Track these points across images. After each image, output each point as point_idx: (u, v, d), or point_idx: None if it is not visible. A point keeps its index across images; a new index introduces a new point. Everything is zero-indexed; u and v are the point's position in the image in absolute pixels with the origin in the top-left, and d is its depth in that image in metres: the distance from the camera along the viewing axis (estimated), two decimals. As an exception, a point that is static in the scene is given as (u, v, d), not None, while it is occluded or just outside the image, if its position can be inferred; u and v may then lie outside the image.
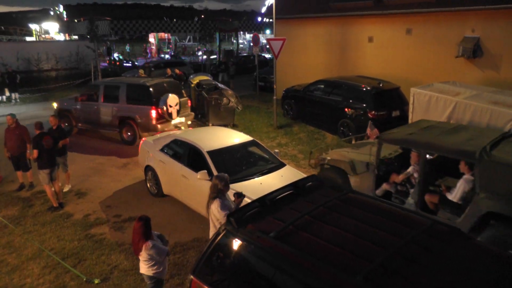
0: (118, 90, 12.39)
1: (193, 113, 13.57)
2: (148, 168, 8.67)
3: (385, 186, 7.21)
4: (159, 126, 11.77)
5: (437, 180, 7.06)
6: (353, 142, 9.70)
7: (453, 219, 6.09)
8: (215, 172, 6.78)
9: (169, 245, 5.30)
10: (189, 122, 13.04)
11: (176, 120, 12.20)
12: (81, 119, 13.21)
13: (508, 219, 5.52)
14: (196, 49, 45.31)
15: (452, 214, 6.21)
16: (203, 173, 6.83)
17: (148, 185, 8.79)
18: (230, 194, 5.33)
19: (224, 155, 7.56)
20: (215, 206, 4.96)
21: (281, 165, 7.70)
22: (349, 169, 7.57)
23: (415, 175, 6.83)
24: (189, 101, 13.41)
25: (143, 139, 9.31)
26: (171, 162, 8.03)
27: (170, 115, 11.87)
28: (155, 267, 4.74)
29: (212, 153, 7.37)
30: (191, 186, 7.41)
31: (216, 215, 4.98)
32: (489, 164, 5.66)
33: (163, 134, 9.38)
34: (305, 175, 5.21)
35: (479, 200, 5.76)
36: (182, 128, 12.53)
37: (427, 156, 7.05)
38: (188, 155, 7.76)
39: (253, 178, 7.08)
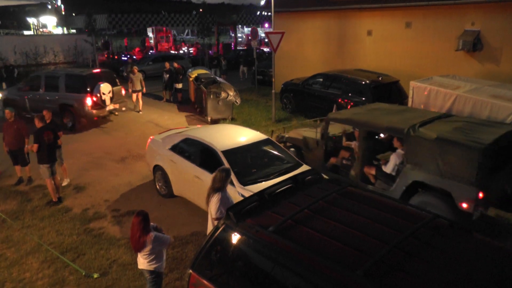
0: (58, 80, 13.23)
1: (127, 100, 14.27)
2: (156, 168, 8.30)
3: (332, 160, 8.01)
4: (94, 112, 12.91)
5: (379, 155, 7.85)
6: (318, 123, 10.44)
7: (387, 188, 6.87)
8: None
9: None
10: (124, 109, 13.95)
11: (110, 106, 13.21)
12: (25, 108, 13.92)
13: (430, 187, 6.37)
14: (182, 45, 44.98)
15: (387, 184, 7.00)
16: None
17: (157, 185, 8.45)
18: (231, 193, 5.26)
19: (239, 155, 7.20)
20: (215, 199, 4.92)
21: (298, 164, 7.30)
22: (302, 146, 8.45)
23: (357, 149, 7.42)
24: (123, 89, 14.24)
25: (151, 137, 8.92)
26: (182, 162, 7.65)
27: (103, 102, 12.95)
28: (155, 260, 4.71)
29: (227, 152, 6.96)
30: (205, 187, 7.12)
31: (211, 207, 4.95)
32: (414, 139, 6.36)
33: (171, 132, 9.01)
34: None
35: (406, 171, 6.58)
36: (116, 114, 13.63)
37: (381, 135, 8.12)
38: (200, 154, 7.39)
39: (271, 178, 6.65)
